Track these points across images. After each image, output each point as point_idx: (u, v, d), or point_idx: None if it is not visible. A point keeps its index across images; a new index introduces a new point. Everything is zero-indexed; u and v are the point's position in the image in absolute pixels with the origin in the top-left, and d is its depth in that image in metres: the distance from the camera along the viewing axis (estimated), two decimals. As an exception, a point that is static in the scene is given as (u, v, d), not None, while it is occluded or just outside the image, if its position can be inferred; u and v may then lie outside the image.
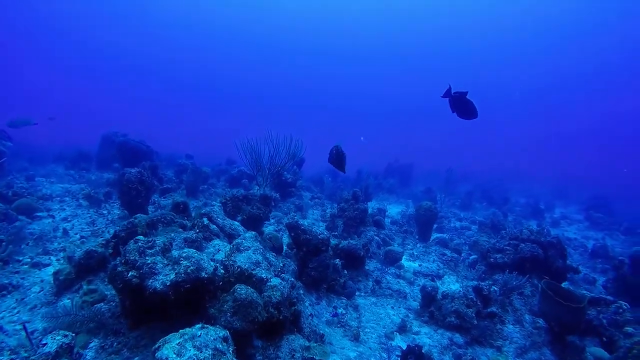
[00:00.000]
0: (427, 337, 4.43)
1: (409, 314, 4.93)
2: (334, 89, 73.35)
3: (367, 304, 5.02)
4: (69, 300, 3.57)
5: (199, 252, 2.93)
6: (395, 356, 3.89)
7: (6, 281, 3.97)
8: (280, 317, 2.84)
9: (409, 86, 68.52)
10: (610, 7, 42.12)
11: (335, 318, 4.29)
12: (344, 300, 4.83)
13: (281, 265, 3.29)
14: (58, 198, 7.47)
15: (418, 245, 7.89)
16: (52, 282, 3.92)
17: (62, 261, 4.68)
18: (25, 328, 2.84)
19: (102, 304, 3.43)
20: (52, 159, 13.00)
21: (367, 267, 5.86)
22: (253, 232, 3.79)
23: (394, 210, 11.92)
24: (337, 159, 3.91)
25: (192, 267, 2.69)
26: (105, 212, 6.99)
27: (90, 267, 3.83)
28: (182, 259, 2.77)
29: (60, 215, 6.58)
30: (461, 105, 3.55)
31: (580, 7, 44.28)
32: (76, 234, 5.82)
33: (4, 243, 4.24)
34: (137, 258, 2.82)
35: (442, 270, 6.66)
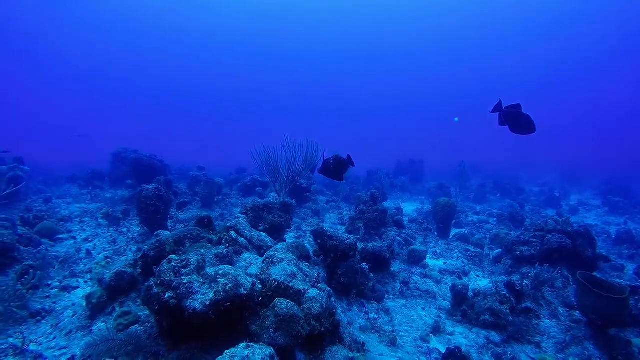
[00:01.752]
0: (462, 337, 4.34)
1: (441, 314, 4.84)
2: (336, 91, 73.74)
3: (397, 307, 4.94)
4: (103, 324, 3.56)
5: (234, 268, 2.88)
6: (434, 359, 3.81)
7: (39, 307, 3.97)
8: (322, 329, 2.78)
9: (415, 84, 68.64)
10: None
11: (369, 323, 4.23)
12: (374, 305, 4.76)
13: (316, 275, 3.23)
14: (77, 219, 7.51)
15: (440, 242, 7.78)
16: (83, 305, 3.91)
17: (90, 283, 4.69)
18: None
19: (137, 325, 3.41)
20: (66, 179, 13.11)
21: (392, 269, 5.78)
22: (284, 243, 3.73)
23: (409, 208, 11.81)
24: (336, 169, 3.85)
25: (230, 285, 2.64)
26: (124, 229, 7.01)
27: (121, 288, 3.81)
28: (218, 276, 2.73)
29: (81, 236, 6.61)
30: (516, 120, 3.48)
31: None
32: (99, 254, 5.83)
33: (32, 270, 4.25)
34: (172, 278, 2.78)
35: (467, 266, 6.55)
